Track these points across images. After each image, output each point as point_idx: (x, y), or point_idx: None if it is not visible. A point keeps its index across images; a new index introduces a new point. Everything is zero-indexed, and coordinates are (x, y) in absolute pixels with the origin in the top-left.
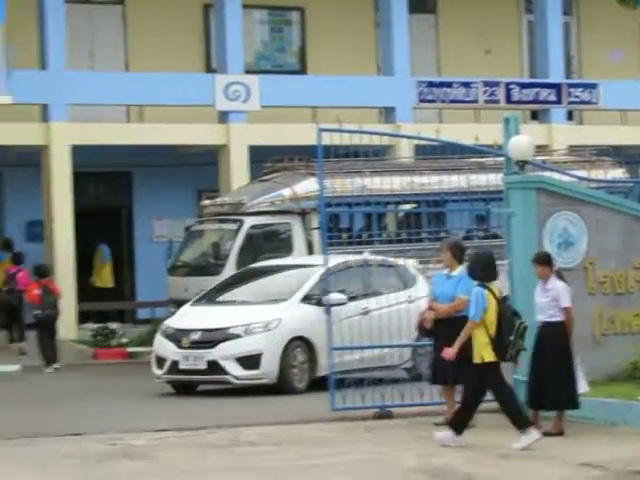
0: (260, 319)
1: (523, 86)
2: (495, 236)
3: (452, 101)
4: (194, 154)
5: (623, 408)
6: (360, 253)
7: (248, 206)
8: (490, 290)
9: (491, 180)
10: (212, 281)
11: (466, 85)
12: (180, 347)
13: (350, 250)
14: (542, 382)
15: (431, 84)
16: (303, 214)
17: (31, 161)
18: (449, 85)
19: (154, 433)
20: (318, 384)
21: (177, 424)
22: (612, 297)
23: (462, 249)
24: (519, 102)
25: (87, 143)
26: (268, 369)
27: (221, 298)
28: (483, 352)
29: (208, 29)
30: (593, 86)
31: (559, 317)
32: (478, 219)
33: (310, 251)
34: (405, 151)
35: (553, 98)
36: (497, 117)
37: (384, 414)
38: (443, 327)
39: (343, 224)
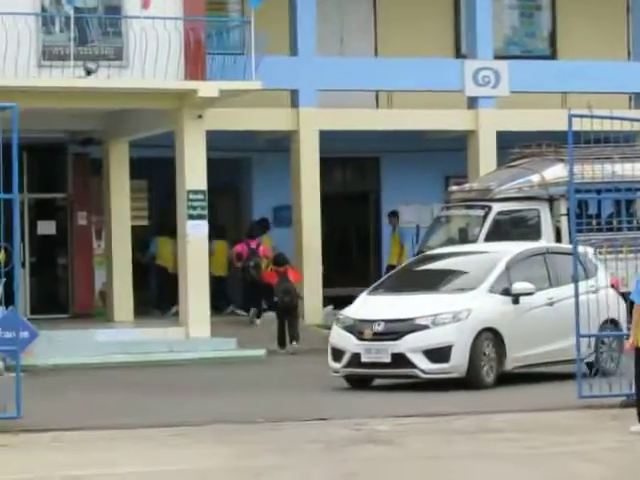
0: (449, 309)
1: None
2: None
3: None
4: (442, 139)
5: None
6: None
7: (496, 192)
8: None
9: None
10: None
11: None
12: (361, 339)
13: (600, 237)
14: None
15: None
16: (551, 200)
17: (279, 146)
18: None
19: (399, 419)
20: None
21: (422, 410)
22: None
23: None
24: None
25: (335, 128)
26: (458, 362)
27: (401, 286)
28: (639, 336)
29: (458, 14)
30: None
31: None
32: None
33: (558, 238)
34: None
35: None
36: None
37: (631, 402)
38: None
39: (591, 210)
